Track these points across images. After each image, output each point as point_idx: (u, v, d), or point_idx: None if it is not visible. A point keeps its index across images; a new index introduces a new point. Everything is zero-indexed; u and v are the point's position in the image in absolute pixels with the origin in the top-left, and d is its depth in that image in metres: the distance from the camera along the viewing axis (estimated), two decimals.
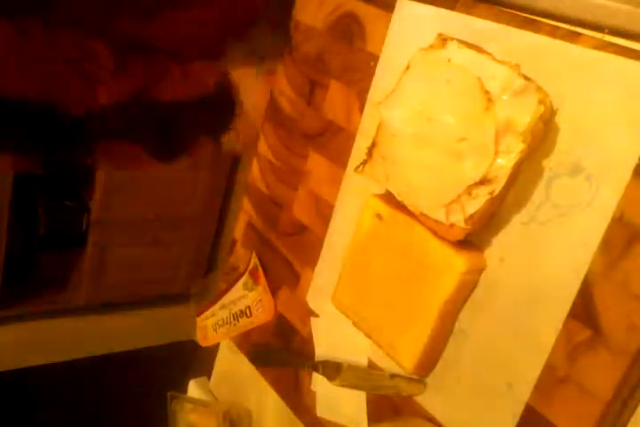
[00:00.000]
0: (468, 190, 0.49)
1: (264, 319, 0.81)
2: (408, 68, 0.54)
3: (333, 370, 0.70)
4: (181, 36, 0.89)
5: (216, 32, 0.92)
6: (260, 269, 0.82)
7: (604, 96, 0.47)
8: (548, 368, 0.51)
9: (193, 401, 0.91)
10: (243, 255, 0.88)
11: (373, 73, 0.65)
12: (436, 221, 0.53)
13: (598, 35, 0.47)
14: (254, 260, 0.83)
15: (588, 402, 0.48)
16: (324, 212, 0.73)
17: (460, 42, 0.51)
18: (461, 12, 0.56)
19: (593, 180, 0.47)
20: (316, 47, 0.73)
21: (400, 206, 0.57)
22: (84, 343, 2.10)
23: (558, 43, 0.49)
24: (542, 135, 0.49)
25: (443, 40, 0.52)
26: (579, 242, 0.48)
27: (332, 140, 0.72)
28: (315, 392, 0.74)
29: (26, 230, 1.92)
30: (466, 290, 0.56)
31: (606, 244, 0.47)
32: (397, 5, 0.62)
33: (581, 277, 0.48)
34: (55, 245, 1.96)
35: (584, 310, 0.48)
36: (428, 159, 0.51)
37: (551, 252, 0.50)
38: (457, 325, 0.58)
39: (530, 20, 0.51)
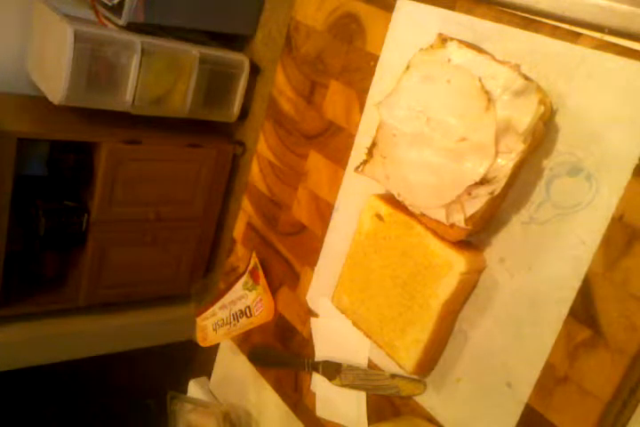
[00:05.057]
0: (468, 190, 0.49)
1: (264, 319, 0.81)
2: (408, 68, 0.53)
3: (333, 370, 0.70)
4: None
5: None
6: (260, 269, 0.82)
7: (604, 96, 0.47)
8: (548, 368, 0.51)
9: (193, 401, 0.90)
10: (243, 255, 0.88)
11: (373, 73, 0.65)
12: (437, 221, 0.53)
13: (598, 35, 0.47)
14: (254, 260, 0.83)
15: (588, 402, 0.48)
16: (324, 212, 0.73)
17: (460, 42, 0.51)
18: (461, 12, 0.56)
19: (593, 180, 0.47)
20: (316, 47, 0.73)
21: (400, 206, 0.57)
22: (84, 343, 2.10)
23: (558, 43, 0.49)
24: (542, 135, 0.49)
25: (443, 40, 0.52)
26: (579, 242, 0.48)
27: (332, 141, 0.72)
28: (315, 392, 0.74)
29: (26, 230, 1.92)
30: (466, 290, 0.56)
31: (606, 244, 0.47)
32: (397, 5, 0.62)
33: (581, 277, 0.48)
34: (55, 245, 1.96)
35: (584, 310, 0.48)
36: (427, 159, 0.51)
37: (551, 252, 0.50)
38: (457, 325, 0.58)
39: (530, 20, 0.51)
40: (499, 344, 0.54)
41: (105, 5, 1.79)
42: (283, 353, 0.80)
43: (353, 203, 0.68)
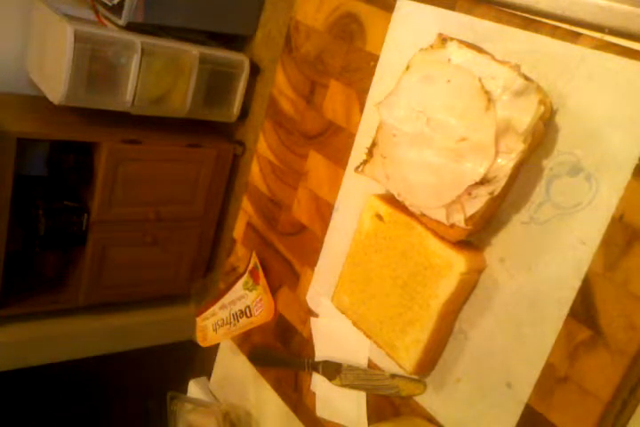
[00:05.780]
0: (468, 190, 0.49)
1: (264, 319, 0.81)
2: (408, 68, 0.53)
3: (333, 370, 0.70)
4: None
5: None
6: (260, 269, 0.82)
7: (604, 96, 0.47)
8: (548, 368, 0.51)
9: (193, 401, 0.90)
10: (243, 255, 0.88)
11: (373, 73, 0.65)
12: (437, 222, 0.53)
13: (598, 35, 0.47)
14: (254, 260, 0.83)
15: (588, 402, 0.48)
16: (324, 212, 0.73)
17: (460, 42, 0.51)
18: (461, 12, 0.56)
19: (593, 180, 0.47)
20: (316, 47, 0.73)
21: (400, 206, 0.57)
22: (84, 343, 2.10)
23: (558, 43, 0.49)
24: (542, 135, 0.49)
25: (443, 40, 0.52)
26: (579, 242, 0.48)
27: (332, 141, 0.72)
28: (315, 392, 0.74)
29: (26, 230, 1.92)
30: (466, 290, 0.56)
31: (606, 244, 0.47)
32: (397, 5, 0.62)
33: (581, 277, 0.48)
34: (55, 245, 1.96)
35: (584, 310, 0.48)
36: (427, 159, 0.51)
37: (551, 252, 0.50)
38: (457, 325, 0.58)
39: (530, 20, 0.51)
40: (499, 344, 0.54)
41: (105, 5, 1.79)
42: (283, 353, 0.80)
43: (353, 203, 0.68)
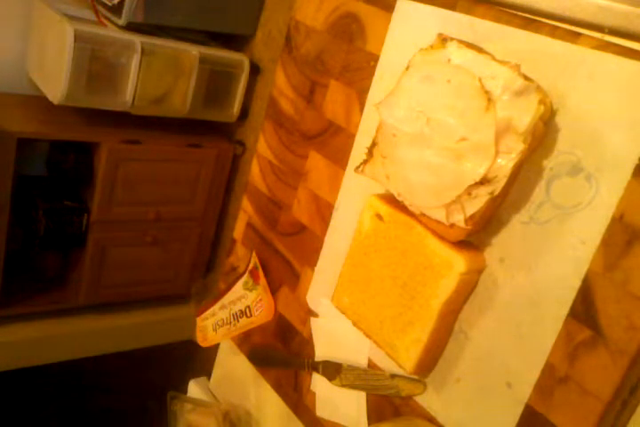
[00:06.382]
0: (468, 190, 0.49)
1: (264, 319, 0.81)
2: (408, 68, 0.53)
3: (333, 370, 0.70)
4: None
5: None
6: (260, 269, 0.82)
7: (604, 96, 0.47)
8: (548, 368, 0.51)
9: (193, 401, 0.90)
10: (243, 255, 0.88)
11: (373, 73, 0.65)
12: (437, 222, 0.53)
13: (598, 35, 0.47)
14: (254, 260, 0.83)
15: (588, 402, 0.48)
16: (324, 212, 0.73)
17: (460, 42, 0.51)
18: (461, 12, 0.56)
19: (593, 180, 0.47)
20: (316, 47, 0.73)
21: (400, 206, 0.57)
22: (84, 343, 2.10)
23: (558, 43, 0.49)
24: (542, 135, 0.49)
25: (443, 40, 0.52)
26: (579, 242, 0.48)
27: (332, 141, 0.72)
28: (315, 392, 0.74)
29: (26, 230, 1.92)
30: (466, 290, 0.56)
31: (606, 244, 0.47)
32: (397, 5, 0.62)
33: (581, 277, 0.48)
34: (55, 245, 1.96)
35: (584, 310, 0.48)
36: (428, 159, 0.51)
37: (551, 252, 0.50)
38: (457, 325, 0.58)
39: (530, 20, 0.51)
40: (499, 344, 0.54)
41: (105, 5, 1.79)
42: (283, 353, 0.80)
43: (353, 203, 0.68)
